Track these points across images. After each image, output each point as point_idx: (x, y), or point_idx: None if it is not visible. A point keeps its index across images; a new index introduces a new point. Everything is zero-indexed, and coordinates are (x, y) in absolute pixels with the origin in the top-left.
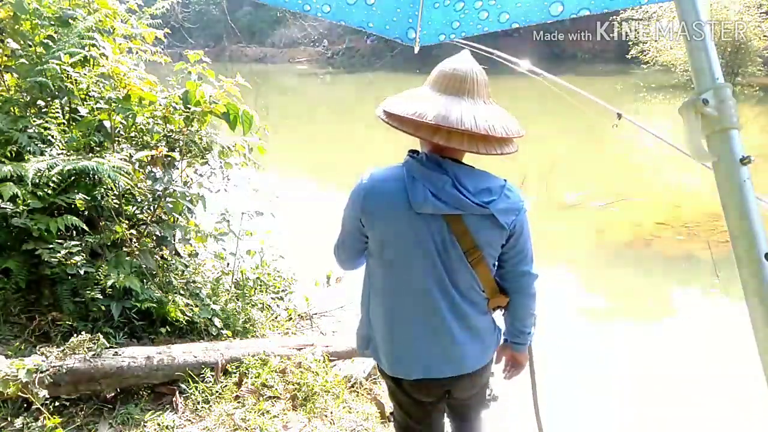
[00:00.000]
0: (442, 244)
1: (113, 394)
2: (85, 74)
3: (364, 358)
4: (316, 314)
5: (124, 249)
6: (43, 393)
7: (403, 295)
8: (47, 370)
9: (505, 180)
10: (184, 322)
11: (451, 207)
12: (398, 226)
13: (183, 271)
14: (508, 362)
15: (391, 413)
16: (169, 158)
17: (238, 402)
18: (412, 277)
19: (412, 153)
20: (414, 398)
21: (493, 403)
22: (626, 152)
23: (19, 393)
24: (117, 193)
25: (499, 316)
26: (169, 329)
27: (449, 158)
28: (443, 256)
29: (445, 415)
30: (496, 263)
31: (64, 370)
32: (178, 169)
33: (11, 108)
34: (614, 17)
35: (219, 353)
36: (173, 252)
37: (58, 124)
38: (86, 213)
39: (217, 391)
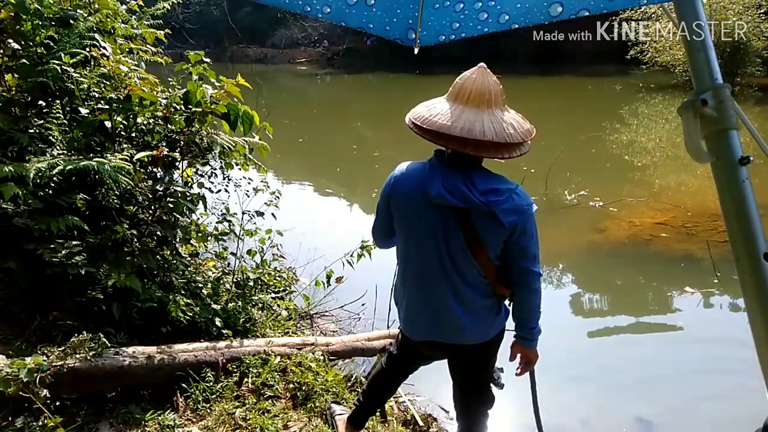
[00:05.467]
0: (448, 232)
1: (114, 393)
2: (85, 75)
3: (364, 358)
4: (316, 314)
5: (125, 249)
6: (44, 392)
7: (414, 271)
8: (48, 369)
9: (517, 185)
10: (184, 321)
11: (459, 201)
12: (415, 212)
13: (184, 271)
14: (522, 359)
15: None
16: (170, 158)
17: (239, 401)
18: (421, 257)
19: (438, 152)
20: (410, 353)
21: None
22: (626, 152)
23: (20, 392)
24: (118, 193)
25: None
26: (169, 329)
27: (467, 161)
28: (448, 242)
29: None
30: (500, 256)
31: (65, 370)
32: (178, 169)
33: (12, 108)
34: (614, 17)
35: (219, 353)
36: (174, 252)
37: (59, 125)
38: (87, 213)
39: (217, 391)
